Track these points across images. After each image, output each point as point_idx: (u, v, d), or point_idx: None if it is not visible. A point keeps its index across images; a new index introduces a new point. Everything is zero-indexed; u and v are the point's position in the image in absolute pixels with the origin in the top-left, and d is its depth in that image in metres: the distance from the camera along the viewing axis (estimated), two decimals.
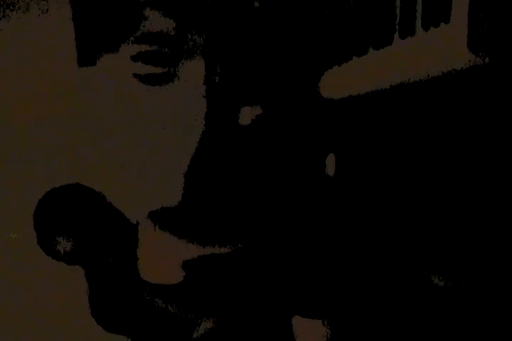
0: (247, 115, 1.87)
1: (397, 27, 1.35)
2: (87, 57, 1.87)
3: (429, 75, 1.28)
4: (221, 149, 1.80)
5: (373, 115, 1.61)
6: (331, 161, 1.91)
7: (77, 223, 1.75)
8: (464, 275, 1.30)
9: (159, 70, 1.82)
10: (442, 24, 1.22)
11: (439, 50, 1.24)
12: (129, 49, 1.78)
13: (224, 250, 1.67)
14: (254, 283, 1.72)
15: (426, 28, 1.26)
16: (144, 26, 1.78)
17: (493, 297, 1.21)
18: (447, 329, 1.31)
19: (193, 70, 1.85)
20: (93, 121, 1.83)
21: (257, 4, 1.75)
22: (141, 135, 1.78)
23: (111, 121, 1.78)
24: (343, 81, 1.56)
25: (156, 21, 1.79)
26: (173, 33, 1.83)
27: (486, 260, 1.25)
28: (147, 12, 1.79)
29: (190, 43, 1.84)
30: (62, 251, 1.70)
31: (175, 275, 1.66)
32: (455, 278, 1.32)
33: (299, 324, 1.76)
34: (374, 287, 1.60)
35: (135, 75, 1.78)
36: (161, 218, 1.73)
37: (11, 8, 2.03)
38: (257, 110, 1.84)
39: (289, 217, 1.80)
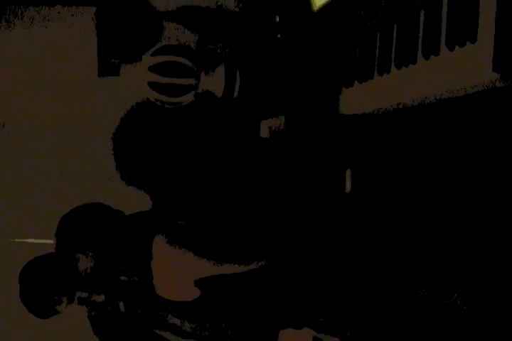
0: (266, 128, 1.91)
1: (420, 45, 1.32)
2: (108, 67, 1.88)
3: (452, 96, 1.25)
4: (242, 162, 1.83)
5: (393, 133, 1.60)
6: (348, 177, 1.90)
7: (98, 240, 1.76)
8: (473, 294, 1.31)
9: (178, 81, 1.84)
10: (468, 43, 1.19)
11: (463, 70, 1.21)
12: (150, 60, 1.81)
13: (239, 268, 1.66)
14: (268, 300, 1.71)
15: (451, 47, 1.23)
16: (163, 39, 1.84)
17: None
18: None
19: (213, 83, 1.88)
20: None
21: (277, 19, 1.71)
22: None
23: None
24: (363, 98, 1.53)
25: (176, 33, 1.86)
26: (194, 46, 1.89)
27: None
28: (165, 23, 1.84)
29: (212, 56, 1.90)
30: (82, 269, 1.69)
31: (190, 292, 1.64)
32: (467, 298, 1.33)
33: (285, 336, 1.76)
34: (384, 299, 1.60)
35: (152, 86, 1.79)
36: (177, 234, 1.73)
37: (37, 20, 2.07)
38: (277, 123, 1.84)
39: (305, 234, 1.81)
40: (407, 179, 1.61)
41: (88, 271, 1.67)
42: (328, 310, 1.71)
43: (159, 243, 1.69)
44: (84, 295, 1.69)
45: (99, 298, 1.71)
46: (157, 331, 1.63)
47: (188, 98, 1.87)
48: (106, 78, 1.92)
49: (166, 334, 1.63)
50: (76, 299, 1.69)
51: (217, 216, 1.75)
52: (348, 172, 1.90)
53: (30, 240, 2.32)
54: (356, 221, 1.80)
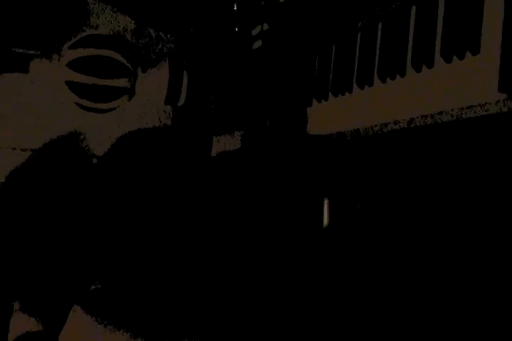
0: (219, 146, 1.88)
1: (410, 54, 1.30)
2: (10, 60, 1.80)
3: (446, 119, 1.23)
4: (187, 192, 1.81)
5: (375, 156, 1.60)
6: (325, 206, 1.90)
7: None
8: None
9: (107, 82, 1.78)
10: (468, 55, 1.17)
11: (462, 88, 1.19)
12: (69, 54, 1.74)
13: None
14: None
15: (447, 58, 1.20)
16: (89, 25, 1.76)
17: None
18: None
19: (153, 85, 1.83)
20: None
21: (235, 7, 1.68)
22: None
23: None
24: (339, 115, 1.53)
25: (107, 19, 1.78)
26: (129, 36, 1.82)
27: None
28: (94, 5, 1.76)
29: (153, 50, 1.83)
30: None
31: None
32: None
33: None
34: None
35: (72, 88, 1.73)
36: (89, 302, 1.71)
37: None
38: (232, 141, 1.84)
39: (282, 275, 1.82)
40: (395, 208, 1.64)
41: None
42: None
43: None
44: None
45: None
46: None
47: (119, 104, 1.82)
48: (7, 75, 1.82)
49: None
50: None
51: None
52: (326, 202, 1.90)
53: None
54: (335, 262, 1.82)
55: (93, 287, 1.78)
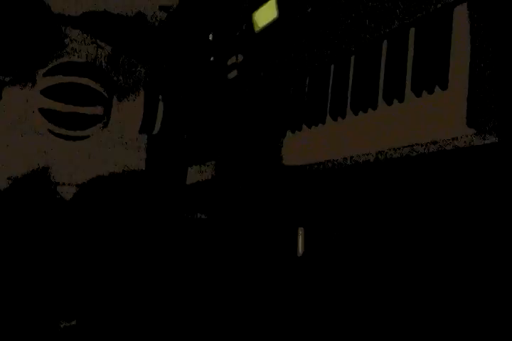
0: (195, 174, 1.89)
1: (381, 87, 1.33)
2: None
3: (414, 151, 1.26)
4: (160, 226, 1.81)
5: (349, 189, 1.62)
6: (300, 235, 1.92)
7: None
8: None
9: (82, 110, 1.80)
10: (437, 89, 1.21)
11: (431, 122, 1.22)
12: (44, 81, 1.75)
13: None
14: None
15: (417, 92, 1.24)
16: (65, 52, 1.78)
17: None
18: None
19: (129, 113, 1.87)
20: None
21: (211, 37, 1.70)
22: None
23: None
24: (312, 146, 1.55)
25: (82, 46, 1.80)
26: (104, 64, 1.84)
27: None
28: (70, 31, 1.78)
29: (129, 77, 1.87)
30: None
31: None
32: None
33: None
34: None
35: (46, 115, 1.74)
36: None
37: None
38: (207, 171, 1.83)
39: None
40: (372, 239, 1.65)
41: None
42: None
43: None
44: None
45: None
46: None
47: (93, 132, 1.84)
48: None
49: None
50: None
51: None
52: (301, 232, 1.91)
53: None
54: (310, 291, 1.82)
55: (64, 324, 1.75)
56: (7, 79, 1.81)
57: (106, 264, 1.79)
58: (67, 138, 1.83)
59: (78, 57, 1.82)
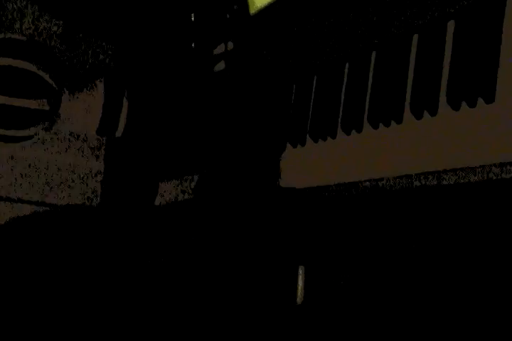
0: (166, 195, 1.73)
1: (407, 101, 1.25)
2: None
3: (443, 179, 1.16)
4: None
5: (360, 216, 1.50)
6: (300, 275, 1.79)
7: None
8: None
9: (20, 103, 1.60)
10: (480, 102, 1.13)
11: (471, 141, 1.13)
12: None
13: None
14: None
15: (455, 106, 1.16)
16: (6, 27, 1.54)
17: None
18: None
19: (83, 110, 1.65)
20: None
21: (193, 18, 1.67)
22: None
23: None
24: (317, 165, 1.43)
25: (26, 19, 1.57)
26: (55, 44, 1.61)
27: None
28: (14, 3, 1.58)
29: (86, 64, 1.63)
30: None
31: None
32: None
33: None
34: None
35: None
36: None
37: None
38: (186, 186, 1.69)
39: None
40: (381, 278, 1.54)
41: None
42: None
43: None
44: None
45: None
46: None
47: (36, 132, 1.64)
48: None
49: None
50: None
51: None
52: (301, 271, 1.77)
53: None
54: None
55: None
56: None
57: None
58: (2, 139, 1.66)
59: (18, 33, 1.66)
